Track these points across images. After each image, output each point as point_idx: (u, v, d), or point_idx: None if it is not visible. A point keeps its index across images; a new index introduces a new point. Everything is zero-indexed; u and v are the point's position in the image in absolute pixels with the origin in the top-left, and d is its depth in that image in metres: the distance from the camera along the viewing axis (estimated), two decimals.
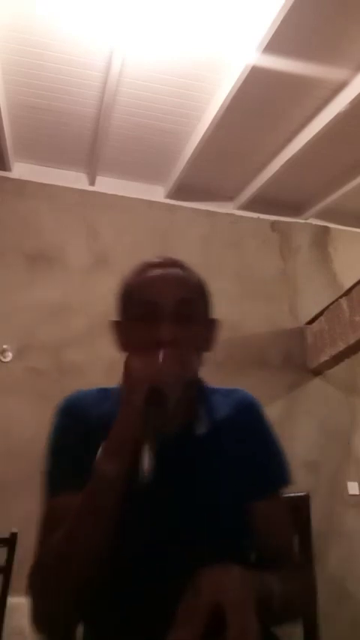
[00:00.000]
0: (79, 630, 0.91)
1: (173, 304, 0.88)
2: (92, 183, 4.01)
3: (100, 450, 0.79)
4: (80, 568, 0.77)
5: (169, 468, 0.81)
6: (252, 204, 4.26)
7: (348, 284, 3.75)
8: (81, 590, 0.78)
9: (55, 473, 0.91)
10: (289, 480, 0.96)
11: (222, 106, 3.12)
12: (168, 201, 4.17)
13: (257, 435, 0.97)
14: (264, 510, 0.90)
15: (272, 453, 0.97)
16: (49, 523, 0.86)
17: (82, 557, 0.77)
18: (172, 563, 0.79)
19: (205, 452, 0.91)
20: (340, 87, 3.07)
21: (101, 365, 3.47)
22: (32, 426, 3.30)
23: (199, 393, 0.97)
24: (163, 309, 0.88)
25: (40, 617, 0.80)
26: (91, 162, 3.84)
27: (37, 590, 0.80)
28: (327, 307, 3.82)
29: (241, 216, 4.33)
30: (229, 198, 4.30)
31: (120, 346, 0.96)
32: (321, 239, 4.49)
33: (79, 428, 0.92)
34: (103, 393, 0.99)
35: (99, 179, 4.02)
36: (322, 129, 3.29)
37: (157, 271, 0.93)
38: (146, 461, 0.74)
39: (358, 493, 3.72)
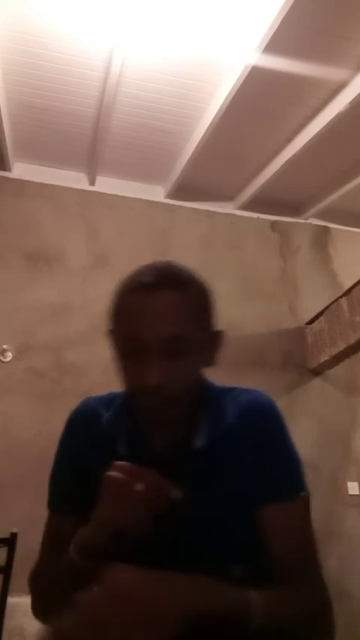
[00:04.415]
0: None
1: (160, 342, 0.75)
2: (92, 183, 4.02)
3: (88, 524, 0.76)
4: (66, 593, 0.75)
5: None
6: (252, 204, 4.26)
7: (348, 284, 3.75)
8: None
9: (55, 492, 0.91)
10: (301, 488, 0.85)
11: (222, 106, 3.12)
12: (168, 201, 4.18)
13: (268, 439, 0.86)
14: (269, 520, 0.82)
15: (284, 458, 0.86)
16: (48, 540, 0.90)
17: (65, 589, 0.75)
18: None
19: (203, 468, 0.83)
20: (340, 87, 3.07)
21: (101, 365, 3.47)
22: (32, 427, 3.31)
23: (202, 397, 0.85)
24: (148, 348, 0.75)
25: (37, 610, 0.87)
26: (91, 162, 3.84)
27: (33, 591, 0.88)
28: (327, 307, 3.82)
29: (241, 216, 4.33)
30: (229, 198, 4.30)
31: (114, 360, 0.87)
32: (321, 239, 4.49)
33: (82, 446, 0.89)
34: (113, 398, 0.92)
35: (99, 179, 4.02)
36: (322, 129, 3.29)
37: (142, 297, 0.77)
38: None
39: (358, 493, 3.71)
